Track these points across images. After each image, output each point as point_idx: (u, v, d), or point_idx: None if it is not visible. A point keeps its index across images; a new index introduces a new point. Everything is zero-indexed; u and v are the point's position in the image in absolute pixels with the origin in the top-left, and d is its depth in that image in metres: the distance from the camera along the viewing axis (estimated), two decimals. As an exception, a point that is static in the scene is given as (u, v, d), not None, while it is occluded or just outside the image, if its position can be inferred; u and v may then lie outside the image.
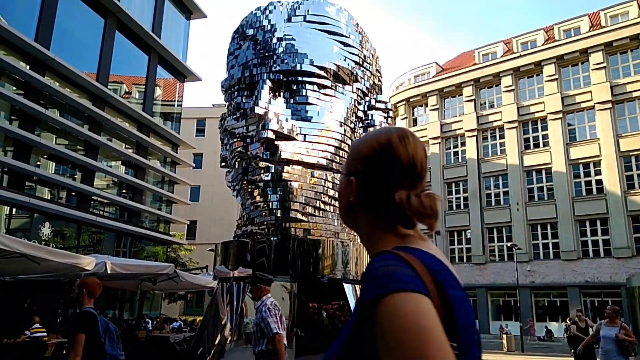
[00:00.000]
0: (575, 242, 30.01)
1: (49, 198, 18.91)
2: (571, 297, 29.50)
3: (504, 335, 21.90)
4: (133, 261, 13.69)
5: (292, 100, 4.20)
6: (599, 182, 30.08)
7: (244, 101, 4.13)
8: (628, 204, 28.62)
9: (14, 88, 17.21)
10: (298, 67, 4.17)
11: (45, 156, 19.12)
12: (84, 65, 20.53)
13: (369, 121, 4.71)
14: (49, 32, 18.42)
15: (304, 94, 4.19)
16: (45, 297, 17.08)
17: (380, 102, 4.83)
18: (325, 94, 4.27)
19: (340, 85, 4.40)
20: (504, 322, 29.43)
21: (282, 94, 4.20)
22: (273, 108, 4.05)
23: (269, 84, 4.10)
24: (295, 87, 4.21)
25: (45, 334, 10.04)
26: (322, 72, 4.29)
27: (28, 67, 17.26)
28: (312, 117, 4.26)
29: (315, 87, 4.28)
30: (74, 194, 20.26)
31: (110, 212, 22.86)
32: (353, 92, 4.62)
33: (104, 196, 21.67)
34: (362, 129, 4.73)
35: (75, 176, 20.38)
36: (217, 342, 4.04)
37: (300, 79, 4.22)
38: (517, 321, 26.92)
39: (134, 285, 14.14)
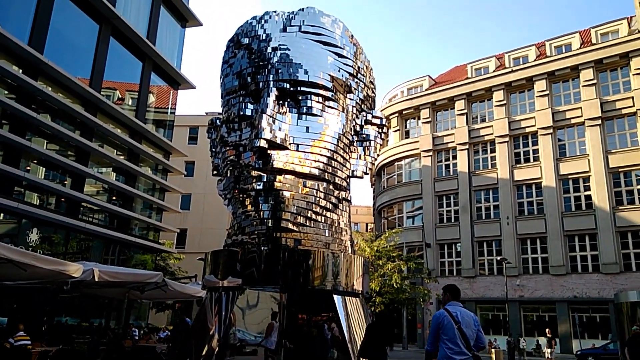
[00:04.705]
0: (564, 257, 30.18)
1: (37, 204, 18.68)
2: (559, 313, 29.60)
3: (493, 350, 21.86)
4: (121, 269, 13.54)
5: (295, 110, 4.23)
6: (588, 197, 30.34)
7: (247, 108, 4.14)
8: (616, 220, 28.87)
9: (6, 92, 17.07)
10: (304, 78, 4.20)
11: (35, 161, 18.92)
12: (78, 70, 20.42)
13: (364, 135, 4.80)
14: (43, 36, 18.32)
15: (308, 104, 4.22)
16: (31, 304, 16.82)
17: (376, 117, 4.90)
18: (326, 105, 4.30)
19: (340, 96, 4.44)
20: (492, 337, 29.38)
21: (286, 103, 4.23)
22: (278, 118, 4.09)
23: (275, 92, 4.13)
24: (300, 97, 4.23)
25: (29, 342, 9.85)
26: (327, 84, 4.32)
27: (21, 70, 17.13)
28: (308, 127, 4.29)
29: (320, 99, 4.31)
30: (63, 200, 20.04)
31: (100, 219, 22.62)
32: (352, 106, 4.67)
33: (94, 203, 21.45)
34: (358, 142, 4.81)
35: (65, 182, 20.17)
36: (204, 352, 3.99)
37: (305, 89, 4.24)
38: (506, 335, 26.90)
39: (122, 293, 13.99)
